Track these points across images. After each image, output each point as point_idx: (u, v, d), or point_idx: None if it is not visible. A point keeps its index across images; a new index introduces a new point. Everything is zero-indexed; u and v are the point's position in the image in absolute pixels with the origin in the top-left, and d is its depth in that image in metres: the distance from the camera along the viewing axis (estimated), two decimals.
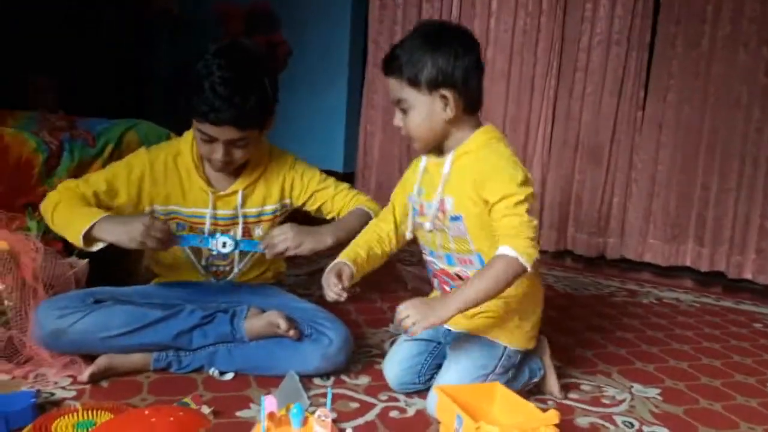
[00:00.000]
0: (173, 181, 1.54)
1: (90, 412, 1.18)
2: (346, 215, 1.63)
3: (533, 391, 1.49)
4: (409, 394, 1.45)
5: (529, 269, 1.20)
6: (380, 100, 3.43)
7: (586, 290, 2.55)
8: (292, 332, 1.44)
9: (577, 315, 2.20)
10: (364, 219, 1.57)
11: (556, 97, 3.03)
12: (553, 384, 1.50)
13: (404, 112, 1.30)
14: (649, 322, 2.19)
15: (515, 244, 1.20)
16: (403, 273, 2.42)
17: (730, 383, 1.69)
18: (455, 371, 1.35)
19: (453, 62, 1.25)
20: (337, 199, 1.66)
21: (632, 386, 1.61)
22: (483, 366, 1.35)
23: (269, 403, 0.92)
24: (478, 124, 1.35)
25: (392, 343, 1.66)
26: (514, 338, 1.39)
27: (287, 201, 1.65)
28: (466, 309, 1.21)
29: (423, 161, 1.41)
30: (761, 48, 2.61)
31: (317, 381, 1.48)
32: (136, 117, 2.09)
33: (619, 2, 2.84)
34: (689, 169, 2.82)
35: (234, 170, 1.55)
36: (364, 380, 1.51)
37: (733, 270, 2.72)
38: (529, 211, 1.23)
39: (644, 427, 1.38)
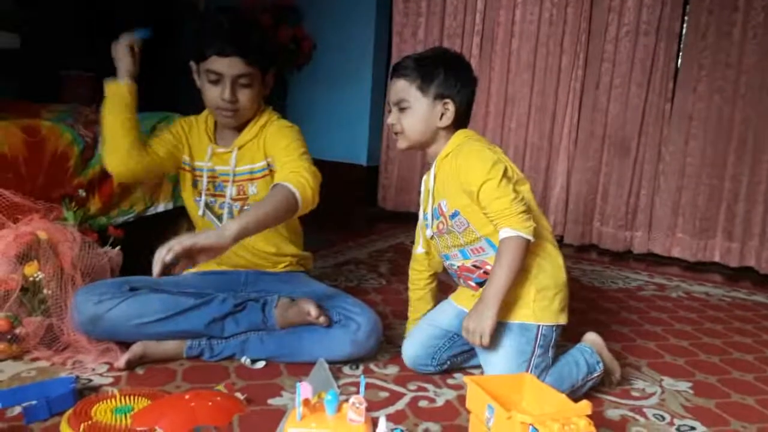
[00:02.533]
0: (193, 138, 1.64)
1: (127, 397, 1.21)
2: (264, 198, 1.40)
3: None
4: (437, 384, 1.46)
5: (531, 239, 1.34)
6: None
7: (613, 284, 2.53)
8: (322, 319, 1.46)
9: (605, 308, 2.19)
10: (278, 200, 1.36)
11: (583, 88, 3.00)
12: (613, 367, 1.53)
13: (402, 111, 1.45)
14: (678, 316, 2.16)
15: (512, 223, 1.33)
16: None
17: (763, 378, 1.66)
18: (497, 364, 1.37)
19: (461, 84, 1.43)
20: (282, 167, 1.49)
21: (662, 379, 1.59)
22: (521, 351, 1.36)
23: (305, 389, 0.93)
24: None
25: None
26: (544, 314, 1.40)
27: (269, 159, 1.61)
28: (503, 296, 1.33)
29: (422, 186, 1.56)
30: None
31: (346, 370, 1.50)
32: (166, 110, 2.12)
33: None
34: (719, 161, 2.78)
35: (239, 127, 1.60)
36: (392, 370, 1.52)
37: (765, 265, 2.68)
38: (511, 187, 1.34)
39: (676, 420, 1.37)
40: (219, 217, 1.63)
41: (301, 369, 1.47)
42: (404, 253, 2.76)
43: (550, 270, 1.43)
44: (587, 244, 3.10)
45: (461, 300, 1.53)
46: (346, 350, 1.49)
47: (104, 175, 1.85)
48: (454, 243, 1.47)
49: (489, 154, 1.37)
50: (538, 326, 1.39)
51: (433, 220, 1.50)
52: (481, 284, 1.45)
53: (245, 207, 1.61)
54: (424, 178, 1.54)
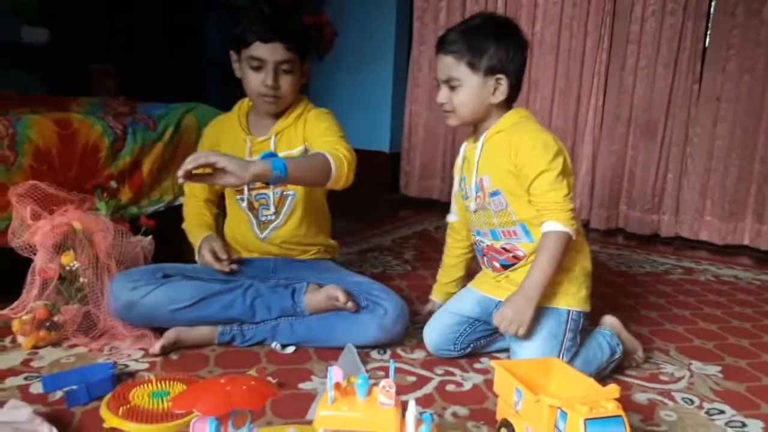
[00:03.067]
0: (224, 139, 1.66)
1: (163, 382, 1.25)
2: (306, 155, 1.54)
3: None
4: (464, 368, 1.48)
5: (573, 237, 1.35)
6: (425, 79, 3.42)
7: (641, 267, 2.51)
8: (350, 304, 1.48)
9: (632, 293, 2.17)
10: (311, 161, 1.44)
11: (608, 70, 2.96)
12: (634, 346, 1.53)
13: (452, 89, 1.39)
14: (706, 300, 2.14)
15: (560, 218, 1.33)
16: None
17: None
18: (529, 347, 1.38)
19: (512, 54, 1.37)
20: (321, 145, 1.53)
21: (691, 363, 1.59)
22: (554, 335, 1.38)
23: (336, 373, 0.95)
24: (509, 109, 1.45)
25: None
26: (573, 300, 1.41)
27: (307, 143, 1.63)
28: (543, 289, 1.34)
29: (461, 153, 1.52)
30: None
31: (374, 355, 1.52)
32: (191, 101, 2.15)
33: None
34: (748, 143, 2.72)
35: (274, 115, 1.62)
36: (419, 354, 1.54)
37: None
38: (567, 183, 1.34)
39: (705, 404, 1.37)
40: (256, 211, 1.65)
41: (330, 354, 1.49)
42: (428, 240, 2.77)
43: (580, 259, 1.44)
44: (614, 228, 3.07)
45: (483, 286, 1.53)
46: (373, 335, 1.51)
47: (134, 166, 1.90)
48: (487, 221, 1.46)
49: (552, 143, 1.35)
50: (569, 311, 1.40)
51: (471, 193, 1.48)
52: (506, 266, 1.45)
53: (285, 193, 1.63)
54: (465, 145, 1.51)
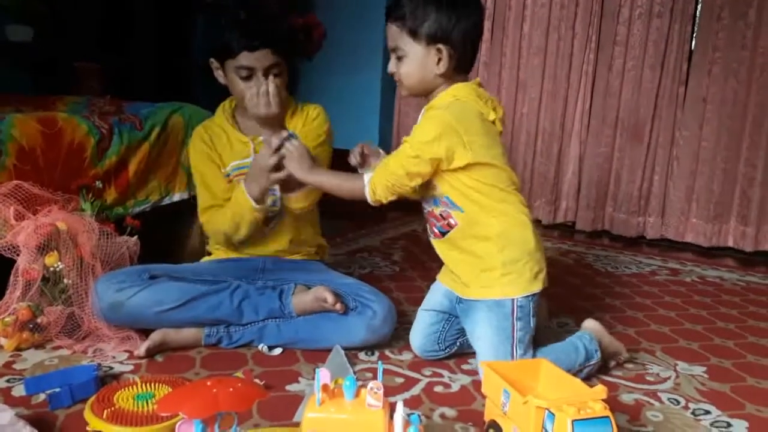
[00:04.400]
0: (219, 145, 1.64)
1: (148, 384, 1.24)
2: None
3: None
4: (452, 369, 1.48)
5: (369, 201, 1.36)
6: None
7: (627, 269, 2.53)
8: (338, 306, 1.48)
9: (618, 293, 2.19)
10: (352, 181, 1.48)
11: (595, 72, 2.98)
12: (617, 348, 1.52)
13: (399, 59, 1.37)
14: (692, 301, 2.16)
15: (377, 181, 1.34)
16: None
17: None
18: (482, 344, 1.38)
19: (454, 22, 1.31)
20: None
21: (677, 364, 1.60)
22: (502, 328, 1.36)
23: (324, 375, 0.95)
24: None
25: None
26: (514, 288, 1.37)
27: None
28: (311, 181, 1.44)
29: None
30: None
31: (362, 356, 1.52)
32: (179, 101, 2.13)
33: None
34: (734, 145, 2.75)
35: (277, 117, 1.60)
36: (407, 356, 1.54)
37: None
38: (408, 167, 1.31)
39: (690, 404, 1.38)
40: None
41: (318, 356, 1.49)
42: (416, 241, 2.77)
43: (517, 239, 1.38)
44: (599, 230, 3.09)
45: (444, 278, 1.52)
46: (361, 336, 1.50)
47: (120, 166, 1.87)
48: (425, 189, 1.44)
49: (438, 130, 1.28)
50: (513, 300, 1.37)
51: None
52: (443, 234, 1.43)
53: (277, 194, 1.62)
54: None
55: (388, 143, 3.63)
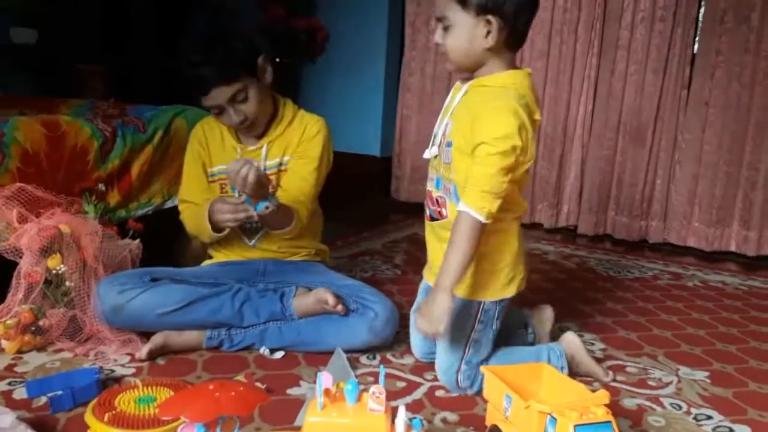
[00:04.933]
0: (212, 144, 1.66)
1: (150, 387, 1.24)
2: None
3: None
4: None
5: (483, 221, 1.22)
6: (417, 84, 3.42)
7: (629, 273, 2.52)
8: (339, 307, 1.48)
9: (621, 298, 2.18)
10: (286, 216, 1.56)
11: (598, 76, 2.98)
12: (593, 370, 1.48)
13: (446, 29, 1.28)
14: (694, 305, 2.16)
15: (470, 199, 1.22)
16: None
17: None
18: (442, 341, 1.37)
19: None
20: (289, 183, 1.63)
21: (679, 369, 1.59)
22: (461, 328, 1.34)
23: (325, 379, 0.94)
24: (512, 65, 1.32)
25: None
26: (483, 292, 1.35)
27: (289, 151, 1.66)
28: (456, 281, 1.24)
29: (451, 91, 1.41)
30: None
31: (364, 360, 1.52)
32: (181, 104, 2.14)
33: None
34: (736, 149, 2.75)
35: (262, 131, 1.63)
36: (409, 360, 1.54)
37: None
38: (501, 166, 1.21)
39: (692, 410, 1.38)
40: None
41: (319, 359, 1.48)
42: (418, 244, 2.77)
43: (501, 247, 1.35)
44: (602, 234, 3.08)
45: (426, 273, 1.49)
46: (363, 338, 1.50)
47: (123, 169, 1.88)
48: (436, 167, 1.38)
49: (513, 121, 1.21)
50: (481, 303, 1.35)
51: (439, 133, 1.38)
52: (432, 218, 1.40)
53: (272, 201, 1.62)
54: (456, 84, 1.38)
55: (389, 146, 3.64)
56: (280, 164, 1.64)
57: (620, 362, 1.61)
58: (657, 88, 2.86)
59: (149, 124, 1.95)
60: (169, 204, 2.03)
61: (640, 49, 2.86)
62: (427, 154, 1.40)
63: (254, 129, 1.61)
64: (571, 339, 1.49)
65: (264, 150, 1.62)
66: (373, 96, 3.62)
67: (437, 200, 1.38)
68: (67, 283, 1.46)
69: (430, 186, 1.41)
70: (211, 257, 1.72)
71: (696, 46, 2.81)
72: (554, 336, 1.59)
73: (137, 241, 1.63)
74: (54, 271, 1.45)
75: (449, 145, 1.32)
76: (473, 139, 1.24)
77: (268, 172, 1.62)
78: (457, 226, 1.24)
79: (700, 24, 2.79)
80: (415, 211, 3.43)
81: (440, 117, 1.39)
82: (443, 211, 1.36)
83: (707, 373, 1.58)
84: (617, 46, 2.92)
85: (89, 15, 3.02)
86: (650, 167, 2.94)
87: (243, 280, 1.57)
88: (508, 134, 1.21)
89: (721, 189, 2.79)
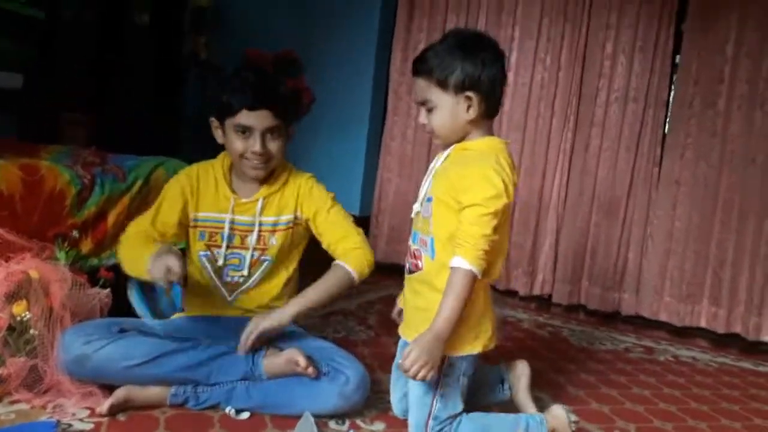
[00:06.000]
0: (203, 189, 1.63)
1: None
2: (324, 277, 1.59)
3: None
4: None
5: (479, 277, 1.30)
6: (398, 148, 3.49)
7: (602, 345, 2.53)
8: (310, 370, 1.45)
9: (594, 369, 2.18)
10: (340, 282, 1.58)
11: (572, 150, 3.07)
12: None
13: (429, 111, 1.39)
14: (666, 380, 2.16)
15: (469, 255, 1.29)
16: None
17: None
18: (411, 394, 1.39)
19: (481, 69, 1.34)
20: (330, 230, 1.64)
21: None
22: (427, 382, 1.31)
23: None
24: (490, 131, 1.43)
25: None
26: (453, 347, 1.35)
27: (299, 214, 1.66)
28: (451, 328, 1.29)
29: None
30: None
31: (332, 425, 1.48)
32: (164, 155, 2.15)
33: (636, 60, 2.92)
34: (705, 227, 2.82)
35: (259, 180, 1.62)
36: (379, 426, 1.50)
37: (752, 331, 2.69)
38: (493, 225, 1.30)
39: None
40: (219, 270, 1.62)
41: (287, 422, 1.44)
42: (393, 306, 2.75)
43: (475, 309, 1.38)
44: (575, 304, 3.10)
45: (402, 330, 1.49)
46: (333, 403, 1.47)
47: (99, 217, 1.86)
48: (416, 222, 1.44)
49: (499, 182, 1.30)
50: (447, 357, 1.35)
51: (422, 195, 1.45)
52: (411, 271, 1.43)
53: (263, 257, 1.63)
54: (437, 157, 1.47)
55: (369, 205, 3.67)
56: (276, 223, 1.63)
57: None
58: (629, 165, 2.95)
59: (130, 173, 1.95)
60: None
61: (613, 127, 2.97)
62: (413, 211, 1.47)
63: (265, 169, 1.58)
64: (558, 414, 1.47)
65: (259, 205, 1.61)
66: (354, 156, 3.68)
67: (414, 253, 1.43)
68: (32, 331, 1.41)
69: (410, 241, 1.47)
70: (182, 310, 1.69)
71: (667, 127, 2.93)
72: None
73: (107, 290, 1.60)
74: (18, 318, 1.41)
75: (429, 200, 1.39)
76: (461, 199, 1.31)
77: (263, 228, 1.62)
78: (453, 278, 1.30)
79: (670, 107, 2.92)
80: (391, 272, 3.42)
81: (424, 179, 1.47)
82: (419, 263, 1.41)
83: None
84: (592, 123, 3.03)
85: (76, 63, 3.06)
86: (623, 241, 3.00)
87: (214, 336, 1.54)
88: (499, 194, 1.30)
89: (690, 265, 2.85)
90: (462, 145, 1.40)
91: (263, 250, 1.62)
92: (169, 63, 3.46)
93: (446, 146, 1.44)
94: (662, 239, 2.91)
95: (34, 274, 1.42)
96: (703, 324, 2.82)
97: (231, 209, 1.60)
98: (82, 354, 1.38)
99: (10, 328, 1.41)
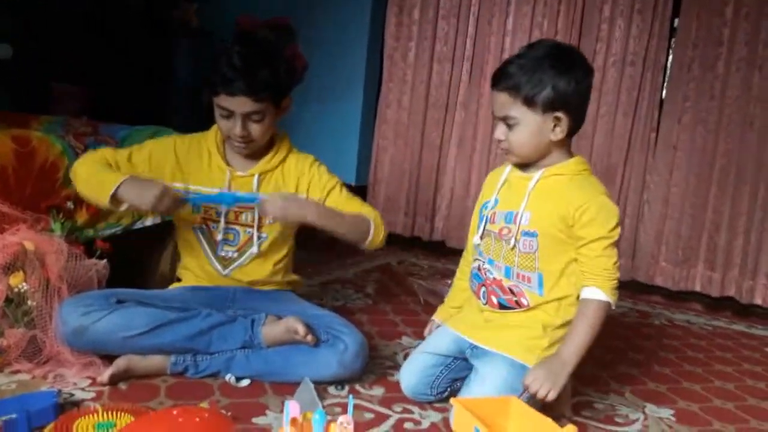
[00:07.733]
0: (195, 162, 1.61)
1: (110, 413, 1.20)
2: (345, 211, 1.62)
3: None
4: (422, 406, 1.46)
5: (613, 308, 1.33)
6: (393, 115, 3.46)
7: None
8: (309, 337, 1.45)
9: None
10: (359, 219, 1.61)
11: None
12: (565, 405, 1.49)
13: (509, 127, 1.32)
14: (661, 344, 2.18)
15: (604, 286, 1.30)
16: (415, 287, 2.43)
17: (744, 406, 1.68)
18: (484, 386, 1.33)
19: (574, 87, 1.28)
20: (347, 206, 1.65)
21: (645, 406, 1.61)
22: (514, 389, 1.31)
23: (293, 408, 0.93)
24: (569, 151, 1.39)
25: (405, 356, 1.70)
26: (535, 358, 1.36)
27: (303, 196, 1.65)
28: (579, 358, 1.30)
29: (505, 173, 1.44)
30: None
31: (332, 390, 1.49)
32: (157, 125, 2.12)
33: (635, 23, 2.87)
34: (702, 191, 2.82)
35: (253, 154, 1.61)
36: (378, 391, 1.52)
37: (745, 295, 2.72)
38: (617, 251, 1.32)
39: None
40: (216, 245, 1.62)
41: (286, 388, 1.46)
42: (390, 274, 2.77)
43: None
44: None
45: (460, 326, 1.47)
46: (332, 370, 1.48)
47: None
48: (506, 256, 1.38)
49: (615, 210, 1.32)
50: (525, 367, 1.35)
51: (500, 220, 1.39)
52: (505, 307, 1.40)
53: (259, 234, 1.61)
54: (509, 170, 1.42)
55: (365, 174, 3.65)
56: None
57: (588, 398, 1.61)
58: (626, 130, 2.94)
59: (122, 143, 1.92)
60: (138, 225, 1.99)
61: (611, 92, 2.95)
62: (477, 240, 1.45)
63: (248, 149, 1.58)
64: None
65: (256, 180, 1.60)
66: (349, 125, 3.64)
67: (510, 289, 1.39)
68: (29, 302, 1.41)
69: (494, 272, 1.41)
70: (179, 280, 1.69)
71: (664, 92, 2.90)
72: None
73: (104, 261, 1.59)
74: (16, 289, 1.40)
75: (531, 235, 1.34)
76: (582, 235, 1.31)
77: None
78: (587, 310, 1.31)
79: (668, 71, 2.89)
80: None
81: (494, 199, 1.43)
82: (522, 300, 1.38)
83: (672, 411, 1.59)
84: None
85: (67, 33, 3.00)
86: (619, 206, 3.00)
87: (212, 305, 1.54)
88: (619, 220, 1.32)
89: (686, 230, 2.86)
90: (553, 170, 1.35)
91: (259, 227, 1.61)
92: (160, 31, 3.40)
93: (521, 163, 1.38)
94: (659, 205, 2.91)
95: (29, 246, 1.41)
96: (698, 288, 2.84)
97: (227, 183, 1.58)
98: (81, 326, 1.38)
99: (8, 300, 1.41)
